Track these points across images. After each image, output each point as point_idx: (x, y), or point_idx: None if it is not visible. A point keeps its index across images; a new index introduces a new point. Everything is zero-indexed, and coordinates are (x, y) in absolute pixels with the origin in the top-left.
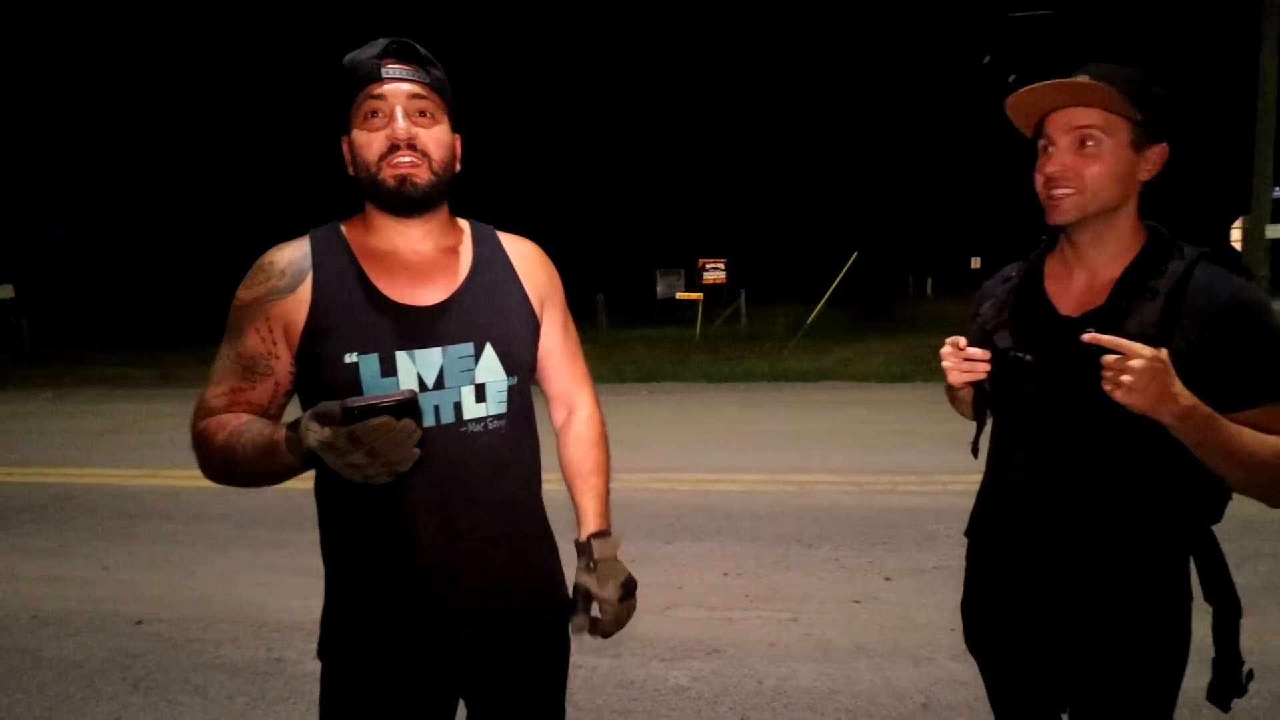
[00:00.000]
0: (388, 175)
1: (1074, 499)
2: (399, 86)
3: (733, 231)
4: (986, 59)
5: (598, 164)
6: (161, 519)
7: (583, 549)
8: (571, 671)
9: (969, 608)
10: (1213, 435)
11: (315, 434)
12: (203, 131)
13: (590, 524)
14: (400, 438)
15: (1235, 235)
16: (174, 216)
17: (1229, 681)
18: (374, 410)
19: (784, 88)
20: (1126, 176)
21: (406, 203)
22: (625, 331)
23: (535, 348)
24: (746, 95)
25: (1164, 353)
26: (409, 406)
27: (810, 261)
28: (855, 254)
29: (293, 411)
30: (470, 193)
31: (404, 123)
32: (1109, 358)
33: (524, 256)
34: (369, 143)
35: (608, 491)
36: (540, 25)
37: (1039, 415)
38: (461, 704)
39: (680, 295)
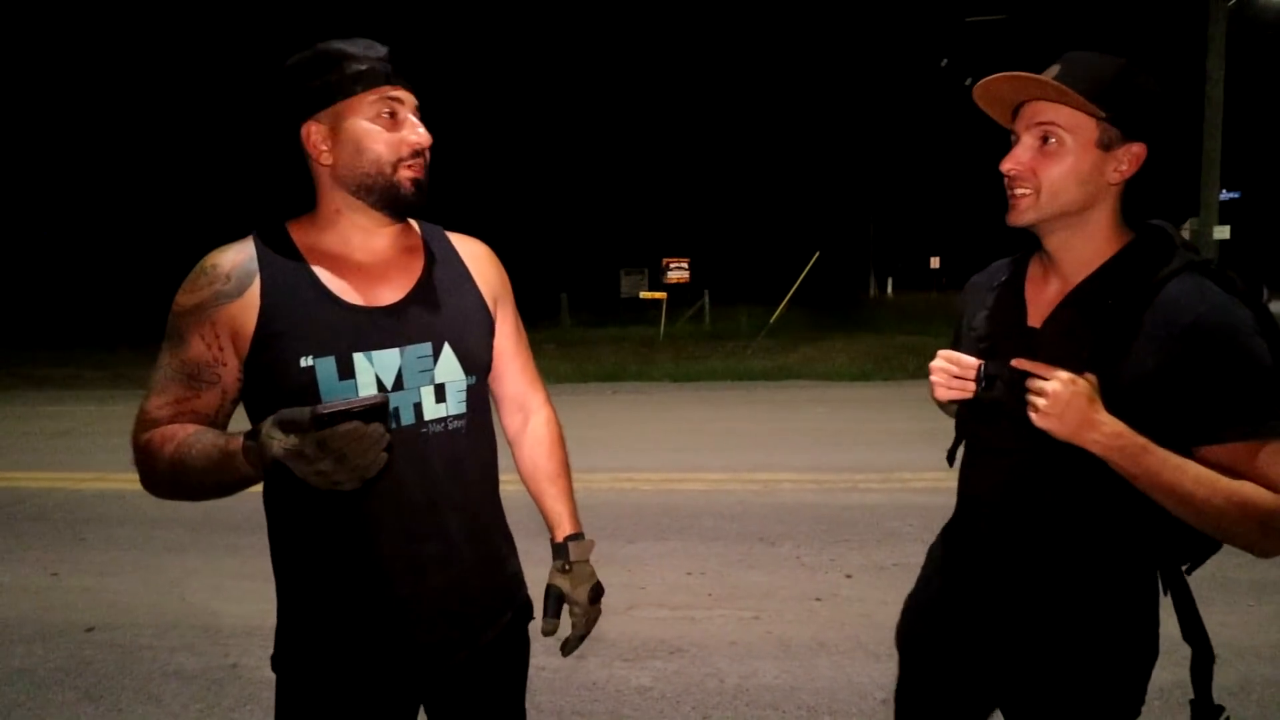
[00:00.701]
0: (405, 178)
1: (1035, 520)
2: (409, 95)
3: (696, 231)
4: (944, 62)
5: (561, 163)
6: (113, 524)
7: (559, 551)
8: (533, 673)
9: (916, 605)
10: (1147, 469)
11: (280, 442)
12: (144, 135)
13: (565, 526)
14: (369, 443)
15: (1184, 237)
16: (120, 217)
17: None
18: (344, 415)
19: (746, 90)
20: (1091, 178)
21: (412, 208)
22: (589, 331)
23: (491, 347)
24: (709, 96)
25: (1089, 377)
26: (379, 410)
27: (773, 261)
28: (817, 254)
29: (237, 421)
30: (437, 191)
31: (424, 131)
32: (1029, 380)
33: (475, 256)
34: (385, 141)
35: (573, 492)
36: (505, 25)
37: (1005, 434)
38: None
39: (644, 295)
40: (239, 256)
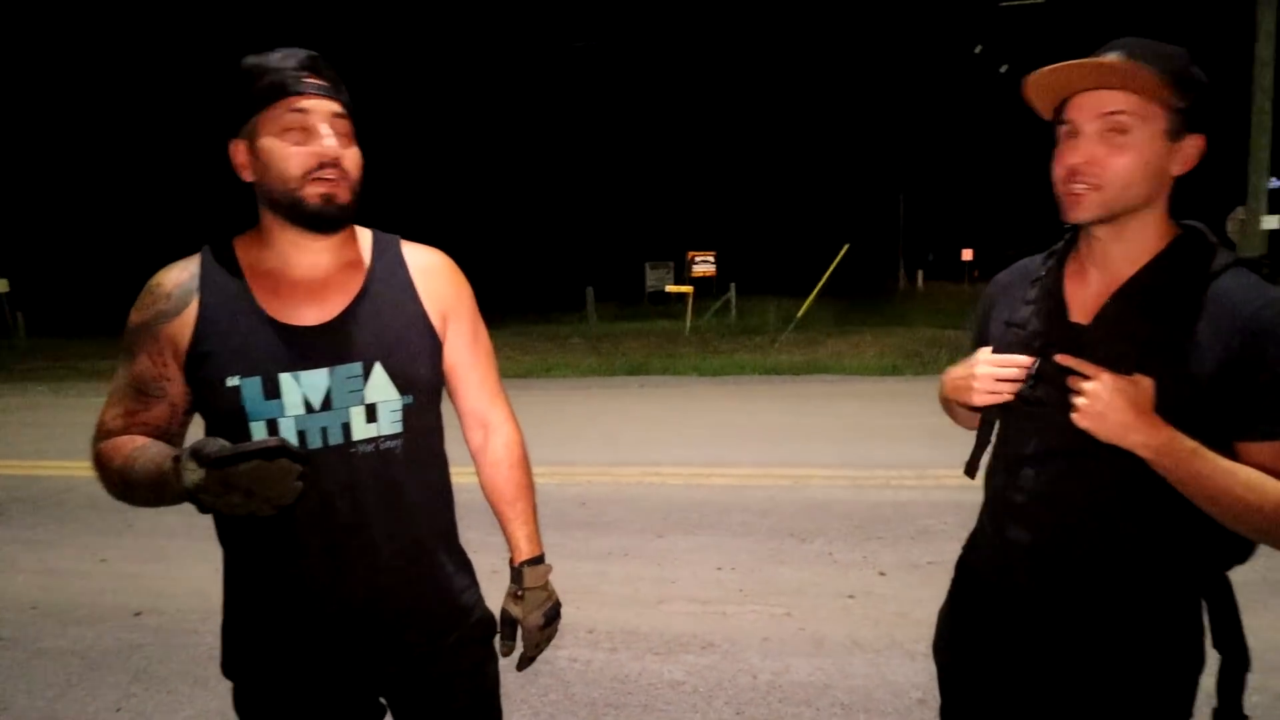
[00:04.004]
0: (311, 193)
1: (1078, 527)
2: (323, 103)
3: (722, 224)
4: (978, 49)
5: (588, 157)
6: (158, 511)
7: (514, 575)
8: (567, 664)
9: (951, 622)
10: (1195, 473)
11: (191, 474)
12: (187, 126)
13: (522, 550)
14: (276, 477)
15: (1231, 227)
16: (167, 207)
17: None
18: (239, 458)
19: (774, 80)
20: (1158, 171)
21: (327, 221)
22: (615, 325)
23: (435, 365)
24: (736, 88)
25: (1140, 378)
26: (276, 452)
27: (801, 254)
28: (846, 246)
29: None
30: (460, 191)
31: (333, 141)
32: (1073, 379)
33: (426, 269)
34: (289, 156)
35: (535, 513)
36: (530, 20)
37: (1049, 434)
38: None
39: (670, 288)
40: (182, 275)
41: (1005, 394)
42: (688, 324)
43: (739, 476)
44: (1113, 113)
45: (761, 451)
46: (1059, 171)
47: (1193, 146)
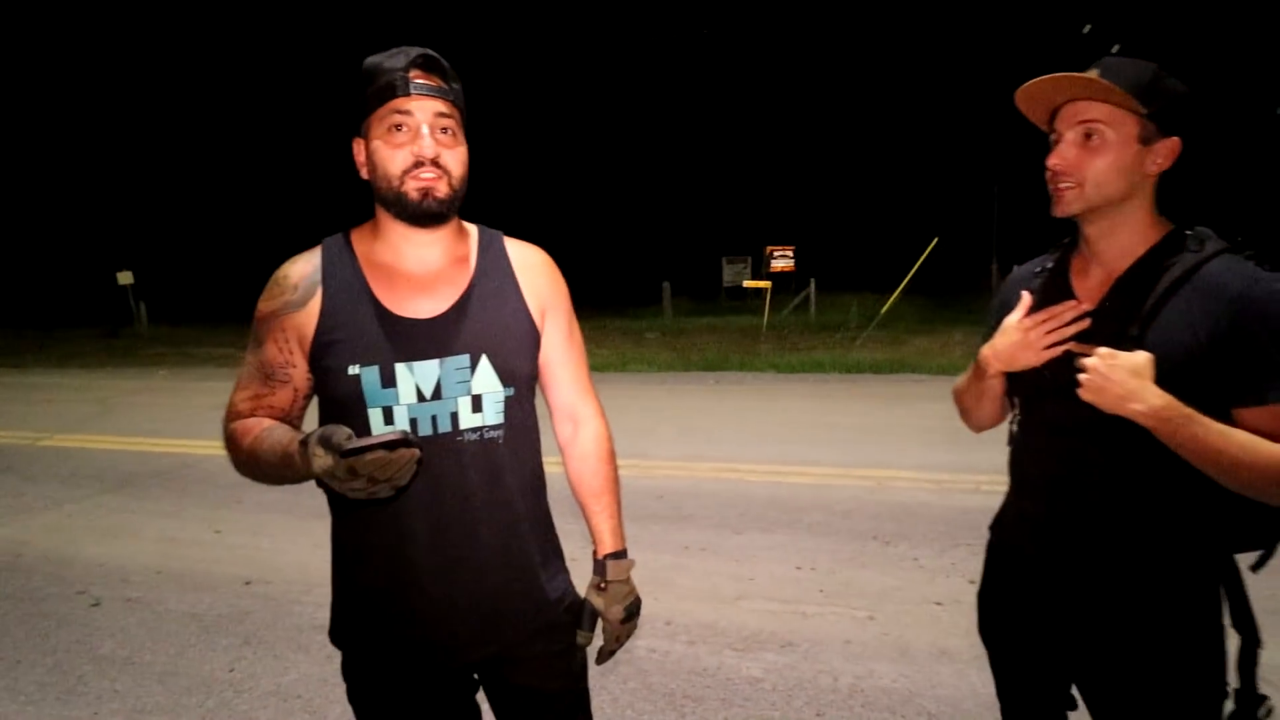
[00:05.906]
0: (411, 189)
1: (1092, 502)
2: (426, 103)
3: (802, 218)
4: (1087, 28)
5: (665, 150)
6: (265, 489)
7: (597, 568)
8: (645, 655)
9: (986, 600)
10: (1192, 437)
11: (319, 460)
12: (300, 118)
13: (606, 544)
14: (397, 465)
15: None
16: (278, 202)
17: (1245, 715)
18: (368, 449)
19: (860, 65)
20: (1132, 170)
21: (427, 216)
22: (691, 320)
23: (534, 359)
24: (819, 75)
25: (1136, 353)
26: (399, 443)
27: (885, 249)
28: (935, 240)
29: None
30: (536, 183)
31: (430, 141)
32: (1077, 359)
33: (528, 264)
34: (392, 157)
35: (620, 508)
36: (605, 12)
37: (1060, 413)
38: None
39: (747, 283)
40: (306, 267)
41: (1061, 348)
42: (765, 320)
43: (818, 475)
44: (1087, 120)
45: (842, 451)
46: (1047, 173)
47: (1167, 148)
